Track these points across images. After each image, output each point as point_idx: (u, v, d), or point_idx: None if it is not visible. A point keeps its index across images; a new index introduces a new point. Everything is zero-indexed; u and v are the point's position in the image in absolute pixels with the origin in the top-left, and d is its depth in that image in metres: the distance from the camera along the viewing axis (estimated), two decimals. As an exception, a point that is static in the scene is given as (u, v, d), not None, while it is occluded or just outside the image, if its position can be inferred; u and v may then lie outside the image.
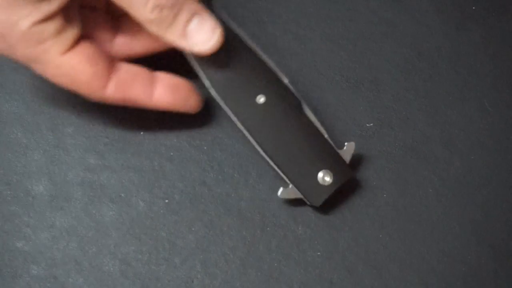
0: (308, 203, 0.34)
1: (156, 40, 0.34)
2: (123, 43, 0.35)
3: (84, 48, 0.32)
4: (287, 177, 0.34)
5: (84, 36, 0.32)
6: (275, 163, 0.34)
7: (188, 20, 0.32)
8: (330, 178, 0.34)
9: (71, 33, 0.31)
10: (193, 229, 0.35)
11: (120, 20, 0.35)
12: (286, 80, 0.35)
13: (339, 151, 0.35)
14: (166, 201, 0.36)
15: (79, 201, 0.35)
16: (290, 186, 0.34)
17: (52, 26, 0.30)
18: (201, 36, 0.32)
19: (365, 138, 0.37)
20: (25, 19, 0.29)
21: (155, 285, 0.34)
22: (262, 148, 0.34)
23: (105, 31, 0.34)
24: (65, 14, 0.31)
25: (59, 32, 0.30)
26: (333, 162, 0.34)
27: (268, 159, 0.34)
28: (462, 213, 0.36)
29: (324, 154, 0.34)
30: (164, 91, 0.34)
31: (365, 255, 0.35)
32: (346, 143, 0.35)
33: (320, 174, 0.34)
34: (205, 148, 0.37)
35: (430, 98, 0.39)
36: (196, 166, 0.36)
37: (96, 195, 0.36)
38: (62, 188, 0.36)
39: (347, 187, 0.36)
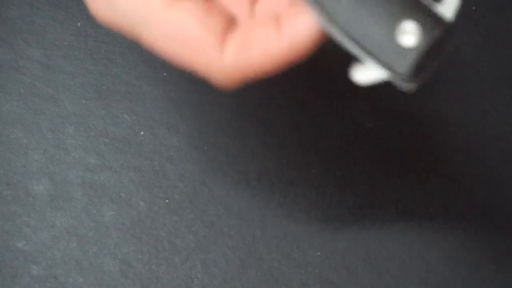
0: (393, 78, 0.24)
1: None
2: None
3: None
4: (360, 47, 0.24)
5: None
6: (345, 34, 0.24)
7: None
8: (416, 34, 0.23)
9: None
10: (193, 229, 0.35)
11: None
12: None
13: (435, 4, 0.23)
14: (166, 201, 0.36)
15: (79, 201, 0.35)
16: (365, 60, 0.24)
17: None
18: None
19: (365, 137, 0.37)
20: None
21: (155, 285, 0.34)
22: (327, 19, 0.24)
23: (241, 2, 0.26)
24: None
25: None
26: (421, 11, 0.23)
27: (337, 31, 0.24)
28: (463, 213, 0.36)
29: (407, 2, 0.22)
30: (294, 23, 0.24)
31: (365, 255, 0.35)
32: None
33: (401, 29, 0.23)
34: (205, 148, 0.37)
35: (431, 97, 0.39)
36: (196, 166, 0.36)
37: (96, 195, 0.36)
38: (63, 188, 0.36)
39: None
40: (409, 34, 0.23)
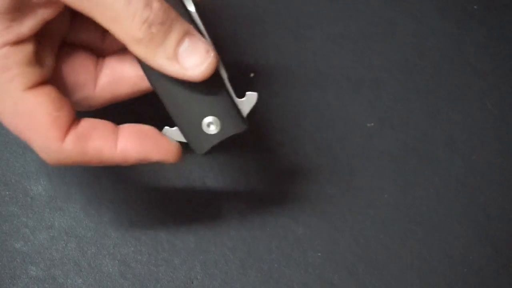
0: (193, 149, 0.31)
1: (141, 80, 0.31)
2: (106, 85, 0.31)
3: (51, 90, 0.28)
4: (173, 118, 0.30)
5: (56, 78, 0.30)
6: (163, 101, 0.30)
7: (180, 40, 0.28)
8: (217, 127, 0.30)
9: (42, 69, 0.28)
10: (192, 229, 0.35)
11: (104, 61, 0.32)
12: (191, 8, 0.30)
13: (238, 100, 0.30)
14: (166, 201, 0.36)
15: (78, 201, 0.35)
16: (175, 128, 0.30)
17: (21, 53, 0.27)
18: (193, 59, 0.28)
19: (365, 138, 0.37)
20: None
21: (155, 286, 0.34)
22: (152, 84, 0.30)
23: (87, 71, 0.31)
24: (39, 44, 0.28)
25: (28, 62, 0.27)
26: (224, 110, 0.30)
27: (159, 95, 0.30)
28: (464, 213, 0.36)
29: (216, 99, 0.30)
30: (130, 139, 0.29)
31: (365, 256, 0.35)
32: (247, 93, 0.30)
33: (206, 120, 0.30)
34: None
35: (431, 97, 0.39)
36: (196, 166, 0.36)
37: (95, 195, 0.35)
38: (61, 189, 0.35)
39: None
40: (212, 125, 0.30)
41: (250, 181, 0.36)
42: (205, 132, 0.30)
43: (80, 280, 0.34)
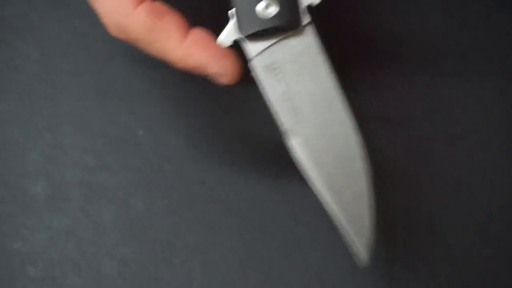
0: (242, 41, 0.28)
1: None
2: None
3: None
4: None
5: None
6: None
7: None
8: (273, 12, 0.27)
9: None
10: (192, 229, 0.35)
11: None
12: None
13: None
14: (165, 201, 0.36)
15: (77, 201, 0.35)
16: (232, 20, 0.28)
17: None
18: None
19: (365, 138, 0.37)
20: None
21: (154, 286, 0.34)
22: None
23: None
24: None
25: None
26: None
27: None
28: (464, 213, 0.36)
29: None
30: (199, 40, 0.28)
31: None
32: None
33: (263, 3, 0.27)
34: (205, 148, 0.37)
35: (432, 97, 0.39)
36: (196, 166, 0.36)
37: (94, 195, 0.35)
38: (60, 189, 0.35)
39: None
40: (269, 8, 0.27)
41: (249, 181, 0.36)
42: (257, 14, 0.27)
43: (79, 280, 0.34)
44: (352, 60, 0.40)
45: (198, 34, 0.28)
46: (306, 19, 0.28)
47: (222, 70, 0.29)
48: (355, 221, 0.28)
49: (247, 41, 0.28)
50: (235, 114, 0.38)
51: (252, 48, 0.28)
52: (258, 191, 0.36)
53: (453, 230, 0.36)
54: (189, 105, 0.37)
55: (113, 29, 0.28)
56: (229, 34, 0.28)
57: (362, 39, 0.40)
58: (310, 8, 0.28)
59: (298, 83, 0.28)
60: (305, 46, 0.28)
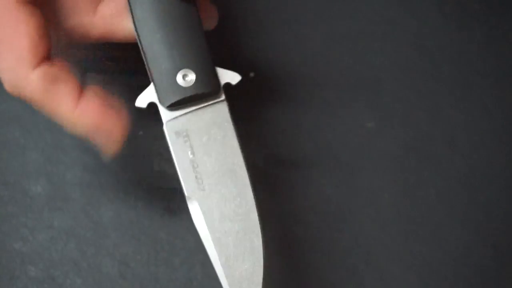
0: (158, 105, 0.30)
1: None
2: (107, 15, 0.30)
3: (39, 14, 0.27)
4: (149, 66, 0.29)
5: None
6: (143, 50, 0.29)
7: None
8: (191, 81, 0.29)
9: None
10: (192, 229, 0.35)
11: None
12: None
13: (218, 68, 0.30)
14: (165, 201, 0.36)
15: (77, 201, 0.35)
16: (151, 85, 0.29)
17: None
18: None
19: (365, 138, 0.37)
20: None
21: (154, 286, 0.34)
22: (137, 29, 0.29)
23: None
24: None
25: None
26: (202, 67, 0.29)
27: (140, 43, 0.30)
28: (464, 213, 0.36)
29: (196, 55, 0.29)
30: (92, 103, 0.28)
31: (365, 256, 0.35)
32: (230, 72, 0.30)
33: (181, 72, 0.29)
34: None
35: (432, 97, 0.39)
36: (196, 166, 0.36)
37: (95, 195, 0.35)
38: (60, 189, 0.35)
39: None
40: (187, 78, 0.28)
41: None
42: (178, 84, 0.29)
43: (80, 280, 0.34)
44: (351, 61, 0.40)
45: (91, 96, 0.28)
46: (221, 95, 0.29)
47: (105, 141, 0.29)
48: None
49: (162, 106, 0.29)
50: (235, 114, 0.38)
51: (167, 114, 0.29)
52: (258, 192, 0.36)
53: (453, 230, 0.36)
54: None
55: (8, 87, 0.28)
56: (146, 97, 0.30)
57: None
58: (226, 86, 0.30)
59: (205, 154, 0.29)
60: (217, 120, 0.29)
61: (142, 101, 0.29)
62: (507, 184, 0.37)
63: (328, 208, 0.36)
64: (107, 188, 0.36)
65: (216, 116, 0.29)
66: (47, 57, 0.28)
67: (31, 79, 0.27)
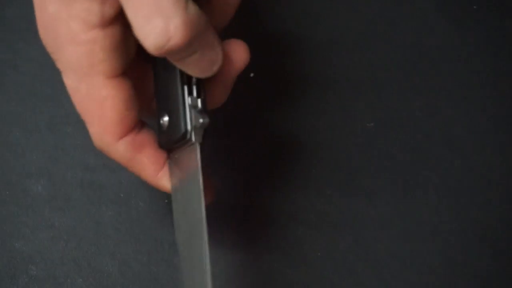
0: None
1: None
2: None
3: (128, 85, 0.28)
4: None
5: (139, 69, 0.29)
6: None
7: None
8: (167, 126, 0.29)
9: (127, 56, 0.27)
10: (192, 229, 0.35)
11: None
12: None
13: (194, 112, 0.29)
14: (166, 201, 0.36)
15: (78, 201, 0.35)
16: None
17: (108, 37, 0.26)
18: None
19: (365, 137, 0.37)
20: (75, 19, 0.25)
21: (155, 285, 0.34)
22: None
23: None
24: (126, 27, 0.26)
25: (115, 48, 0.26)
26: (174, 113, 0.29)
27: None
28: (463, 213, 0.36)
29: (172, 100, 0.29)
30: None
31: (365, 256, 0.35)
32: (202, 120, 0.29)
33: (162, 118, 0.29)
34: (205, 148, 0.37)
35: (431, 97, 0.39)
36: (196, 166, 0.36)
37: (96, 195, 0.35)
38: (61, 188, 0.35)
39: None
40: (165, 123, 0.29)
41: (249, 181, 0.36)
42: (162, 129, 0.29)
43: (80, 279, 0.34)
44: (351, 61, 0.40)
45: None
46: (193, 139, 0.29)
47: None
48: None
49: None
50: (235, 114, 0.38)
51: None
52: (258, 191, 0.36)
53: (452, 230, 0.36)
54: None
55: (97, 146, 0.29)
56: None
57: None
58: (198, 129, 0.29)
59: (180, 190, 0.30)
60: (190, 162, 0.29)
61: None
62: (506, 184, 0.37)
63: (328, 208, 0.36)
64: (107, 188, 0.36)
65: (189, 159, 0.29)
66: (134, 127, 0.28)
67: (116, 149, 0.28)
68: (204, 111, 0.29)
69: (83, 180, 0.36)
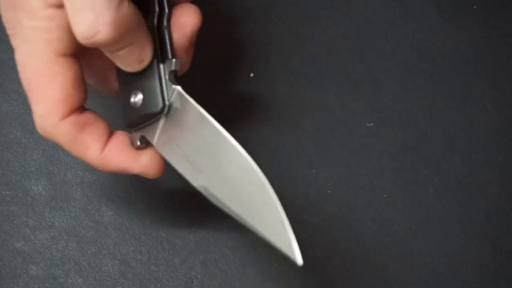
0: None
1: None
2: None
3: (77, 65, 0.29)
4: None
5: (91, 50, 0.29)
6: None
7: None
8: (140, 102, 0.29)
9: None
10: (192, 229, 0.35)
11: None
12: None
13: (169, 85, 0.30)
14: (166, 201, 0.36)
15: (78, 201, 0.35)
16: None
17: (64, 16, 0.26)
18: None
19: (365, 137, 0.37)
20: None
21: (155, 285, 0.34)
22: None
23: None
24: None
25: (70, 28, 0.26)
26: (149, 88, 0.29)
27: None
28: (463, 213, 0.36)
29: (145, 76, 0.29)
30: (117, 149, 0.30)
31: (365, 255, 0.35)
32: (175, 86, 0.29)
33: (133, 94, 0.30)
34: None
35: (431, 97, 0.39)
36: (196, 166, 0.36)
37: (95, 195, 0.35)
38: (61, 188, 0.36)
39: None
40: (137, 100, 0.29)
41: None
42: (131, 106, 0.30)
43: (80, 279, 0.34)
44: (351, 61, 0.40)
45: (117, 142, 0.30)
46: (170, 90, 0.29)
47: (143, 170, 0.30)
48: (274, 233, 0.28)
49: (140, 137, 0.30)
50: (236, 114, 0.38)
51: (150, 139, 0.30)
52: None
53: (452, 230, 0.36)
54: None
55: (38, 130, 0.29)
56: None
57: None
58: (173, 74, 0.30)
59: (189, 144, 0.29)
60: (182, 111, 0.29)
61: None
62: (505, 184, 0.37)
63: (328, 208, 0.36)
64: (107, 188, 0.36)
65: (181, 110, 0.30)
66: (78, 108, 0.29)
67: (59, 128, 0.28)
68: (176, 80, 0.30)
69: (83, 180, 0.36)
